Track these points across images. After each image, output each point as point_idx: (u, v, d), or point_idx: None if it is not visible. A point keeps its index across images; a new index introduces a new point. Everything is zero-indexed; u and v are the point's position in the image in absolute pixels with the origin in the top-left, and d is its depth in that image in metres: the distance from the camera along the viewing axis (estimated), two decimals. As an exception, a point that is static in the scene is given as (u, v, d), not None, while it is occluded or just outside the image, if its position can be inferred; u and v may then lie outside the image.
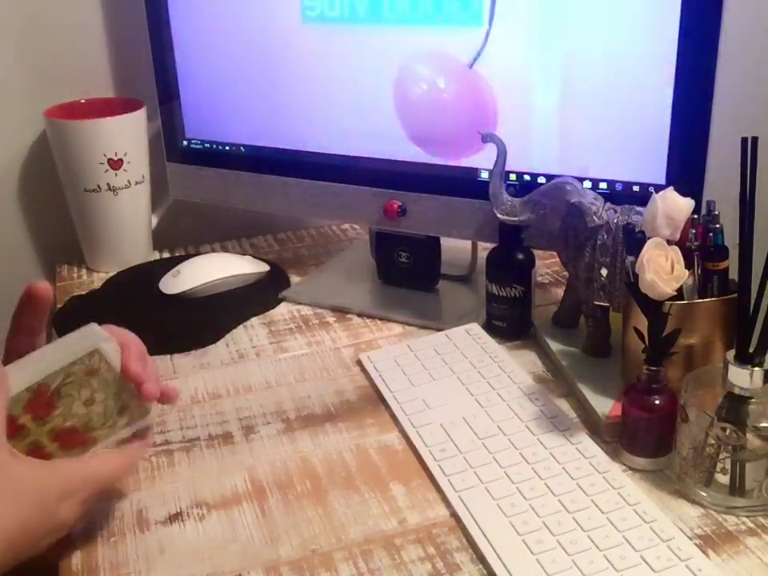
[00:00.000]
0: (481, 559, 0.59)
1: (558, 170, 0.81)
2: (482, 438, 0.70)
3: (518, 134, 0.81)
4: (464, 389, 0.77)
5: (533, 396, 0.75)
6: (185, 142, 1.02)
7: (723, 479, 0.63)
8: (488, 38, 0.80)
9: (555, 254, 0.82)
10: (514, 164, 0.83)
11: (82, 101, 1.07)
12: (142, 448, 0.65)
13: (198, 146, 1.02)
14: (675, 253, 0.65)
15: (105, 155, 1.00)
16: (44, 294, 0.61)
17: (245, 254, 1.08)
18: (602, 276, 0.76)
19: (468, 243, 0.98)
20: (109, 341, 0.63)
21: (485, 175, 0.85)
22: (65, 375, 0.61)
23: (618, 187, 0.79)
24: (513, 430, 0.70)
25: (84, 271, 1.10)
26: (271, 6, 0.89)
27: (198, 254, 1.08)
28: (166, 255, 1.13)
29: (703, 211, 0.70)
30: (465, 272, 1.00)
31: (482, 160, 0.84)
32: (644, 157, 0.77)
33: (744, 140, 0.60)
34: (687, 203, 0.67)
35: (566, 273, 0.84)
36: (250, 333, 0.92)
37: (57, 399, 0.60)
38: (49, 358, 0.61)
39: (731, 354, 0.62)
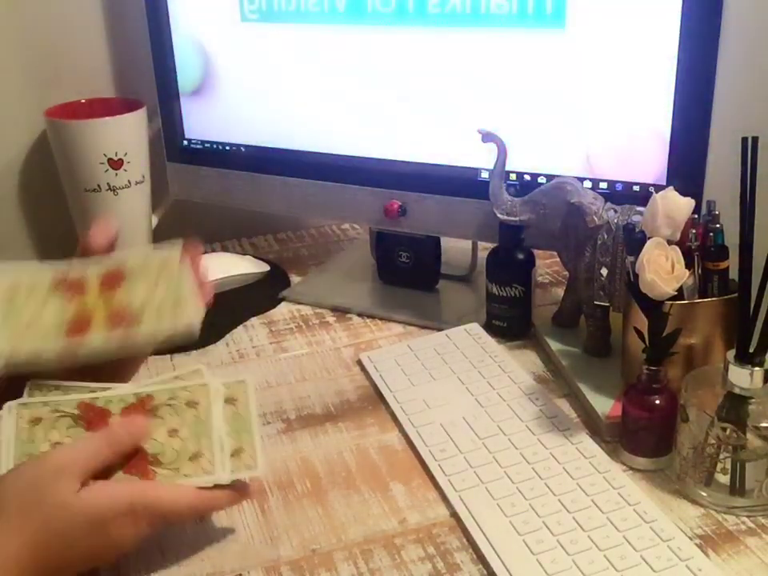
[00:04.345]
0: (481, 559, 0.59)
1: (558, 170, 0.81)
2: (482, 437, 0.70)
3: (519, 134, 0.82)
4: (464, 389, 0.77)
5: (533, 396, 0.75)
6: (185, 142, 1.02)
7: (723, 479, 0.63)
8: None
9: (555, 253, 0.82)
10: (515, 164, 0.83)
11: (82, 101, 1.07)
12: (227, 498, 0.59)
13: (197, 146, 1.02)
14: (675, 253, 0.65)
15: (105, 155, 1.00)
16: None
17: (245, 254, 1.08)
18: (602, 276, 0.76)
19: (468, 243, 0.98)
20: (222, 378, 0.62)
21: (485, 175, 0.85)
22: (171, 395, 0.60)
23: (618, 187, 0.79)
24: (513, 430, 0.70)
25: (84, 271, 1.10)
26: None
27: (198, 253, 1.08)
28: (166, 255, 1.13)
29: (703, 211, 0.70)
30: (465, 272, 1.00)
31: (482, 160, 0.84)
32: (644, 157, 0.77)
33: (744, 140, 0.60)
34: (687, 203, 0.67)
35: (566, 273, 0.84)
36: (250, 333, 0.92)
37: (151, 417, 0.59)
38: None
39: (731, 354, 0.62)
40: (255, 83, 0.95)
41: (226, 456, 0.59)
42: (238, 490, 0.60)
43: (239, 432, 0.60)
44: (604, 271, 0.76)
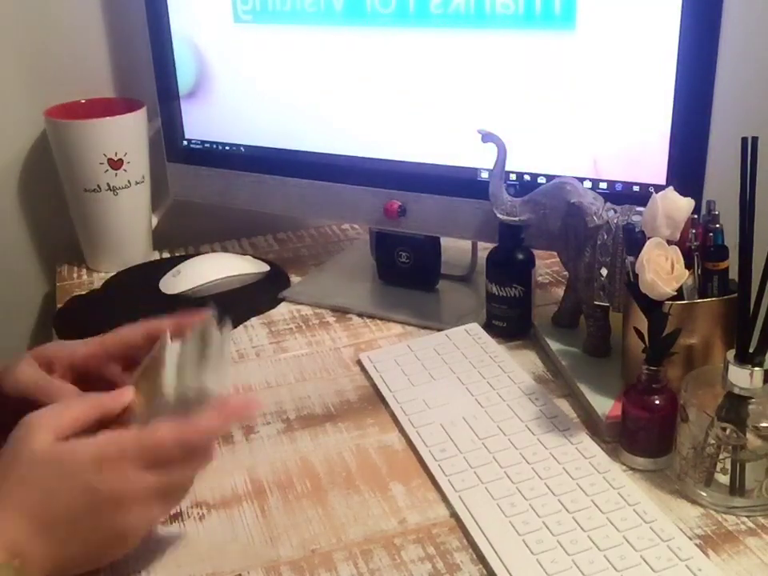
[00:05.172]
0: (481, 559, 0.59)
1: (558, 170, 0.81)
2: (482, 438, 0.70)
3: (519, 134, 0.82)
4: (464, 389, 0.77)
5: (533, 396, 0.75)
6: (185, 142, 1.02)
7: (723, 479, 0.62)
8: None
9: (555, 253, 0.82)
10: (514, 164, 0.83)
11: (82, 101, 1.07)
12: (210, 423, 0.56)
13: (197, 146, 1.02)
14: (675, 253, 0.65)
15: (105, 155, 1.00)
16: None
17: (245, 254, 1.08)
18: (602, 276, 0.76)
19: (468, 243, 0.98)
20: None
21: (485, 175, 0.85)
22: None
23: (618, 187, 0.79)
24: (513, 430, 0.70)
25: (84, 271, 1.09)
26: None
27: (198, 254, 1.08)
28: (166, 255, 1.13)
29: (703, 211, 0.70)
30: (465, 272, 1.00)
31: (482, 160, 0.84)
32: (644, 157, 0.77)
33: (744, 140, 0.60)
34: (687, 203, 0.67)
35: (566, 273, 0.84)
36: (250, 333, 0.92)
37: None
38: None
39: (731, 353, 0.62)
40: (253, 84, 0.95)
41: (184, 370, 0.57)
42: (220, 411, 0.56)
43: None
44: (604, 271, 0.76)
